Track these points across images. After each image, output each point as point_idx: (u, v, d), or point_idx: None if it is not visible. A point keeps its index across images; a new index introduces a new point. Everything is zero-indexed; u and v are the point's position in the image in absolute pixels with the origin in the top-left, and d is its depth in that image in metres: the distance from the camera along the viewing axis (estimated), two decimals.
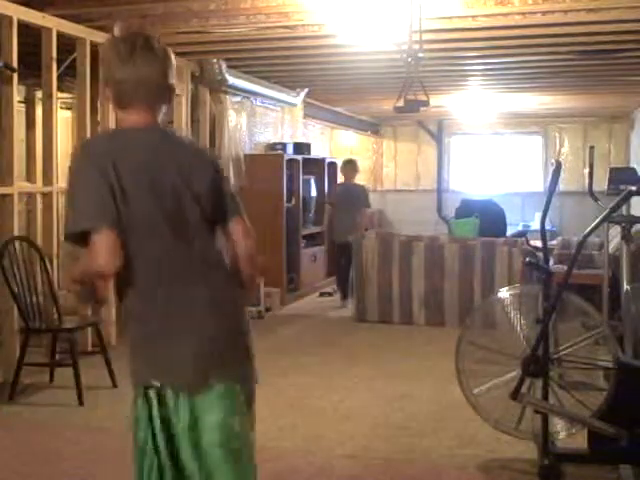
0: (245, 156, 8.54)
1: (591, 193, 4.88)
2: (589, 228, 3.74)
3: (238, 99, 8.45)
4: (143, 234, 2.01)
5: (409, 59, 5.11)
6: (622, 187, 4.10)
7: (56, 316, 5.19)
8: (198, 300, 2.06)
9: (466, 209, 11.04)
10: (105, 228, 1.91)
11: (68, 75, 6.31)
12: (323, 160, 10.14)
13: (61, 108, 7.56)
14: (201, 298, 2.06)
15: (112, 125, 6.20)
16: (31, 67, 5.70)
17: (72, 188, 2.00)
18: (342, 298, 8.64)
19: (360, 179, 14.22)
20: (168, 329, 2.06)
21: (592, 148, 5.24)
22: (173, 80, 2.12)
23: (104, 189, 1.93)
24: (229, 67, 7.49)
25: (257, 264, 2.20)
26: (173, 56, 2.13)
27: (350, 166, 9.03)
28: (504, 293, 4.14)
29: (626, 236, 4.53)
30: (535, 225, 11.27)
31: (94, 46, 5.97)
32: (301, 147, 9.43)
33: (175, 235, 2.03)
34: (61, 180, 6.12)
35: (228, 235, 2.15)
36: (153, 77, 2.04)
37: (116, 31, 2.08)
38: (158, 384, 2.08)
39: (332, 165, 10.33)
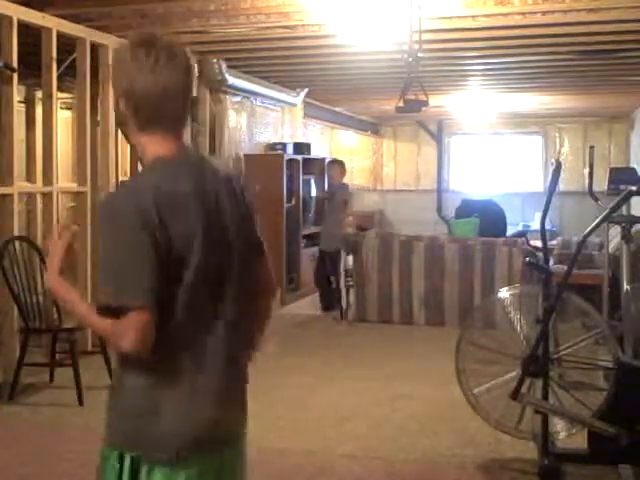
0: (245, 156, 8.54)
1: (591, 193, 4.88)
2: (589, 228, 3.74)
3: (238, 99, 8.45)
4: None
5: (409, 59, 5.11)
6: (622, 187, 4.11)
7: (56, 316, 5.19)
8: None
9: (466, 209, 11.07)
10: (142, 306, 1.59)
11: (68, 75, 6.31)
12: (323, 160, 10.13)
13: (61, 108, 7.55)
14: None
15: (112, 125, 6.22)
16: (31, 67, 5.70)
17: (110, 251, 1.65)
18: (323, 309, 8.15)
19: (360, 179, 14.35)
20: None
21: (592, 148, 5.24)
22: (192, 90, 1.82)
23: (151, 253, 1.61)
24: (229, 67, 7.49)
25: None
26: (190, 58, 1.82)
27: (332, 166, 8.60)
28: (504, 293, 4.14)
29: (626, 236, 4.53)
30: (535, 225, 11.27)
31: (94, 46, 5.97)
32: (301, 147, 9.42)
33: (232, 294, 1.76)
34: (61, 180, 6.12)
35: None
36: (179, 89, 1.71)
37: (131, 37, 1.74)
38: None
39: None
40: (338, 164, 8.56)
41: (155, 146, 1.74)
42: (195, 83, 1.64)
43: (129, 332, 1.58)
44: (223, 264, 1.72)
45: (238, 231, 1.78)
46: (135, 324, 1.58)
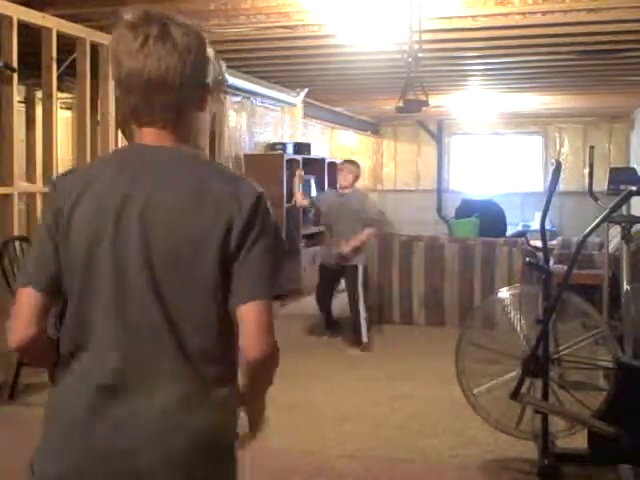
0: (245, 156, 8.54)
1: (591, 193, 4.88)
2: (589, 228, 3.74)
3: (238, 99, 8.45)
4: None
5: (409, 59, 5.11)
6: (622, 187, 4.10)
7: None
8: None
9: (466, 209, 11.09)
10: (22, 287, 1.48)
11: (68, 75, 6.31)
12: (323, 160, 10.14)
13: (61, 108, 7.55)
14: None
15: (112, 125, 6.22)
16: (31, 67, 5.69)
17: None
18: (327, 327, 7.05)
19: (360, 179, 14.31)
20: None
21: (592, 148, 5.24)
22: (206, 78, 1.54)
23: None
24: (229, 67, 7.49)
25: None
26: (207, 45, 1.54)
27: (348, 167, 6.93)
28: (504, 293, 4.14)
29: (626, 236, 4.53)
30: (535, 225, 11.27)
31: (94, 46, 5.97)
32: (301, 147, 9.42)
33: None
34: None
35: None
36: (169, 76, 1.46)
37: (127, 16, 1.48)
38: None
39: (332, 165, 10.32)
40: (352, 164, 7.00)
41: (138, 138, 1.53)
42: (208, 69, 1.42)
43: (12, 317, 1.48)
44: (89, 284, 1.46)
45: (151, 258, 1.43)
46: (15, 307, 1.48)
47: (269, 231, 1.48)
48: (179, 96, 1.49)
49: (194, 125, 1.56)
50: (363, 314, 6.48)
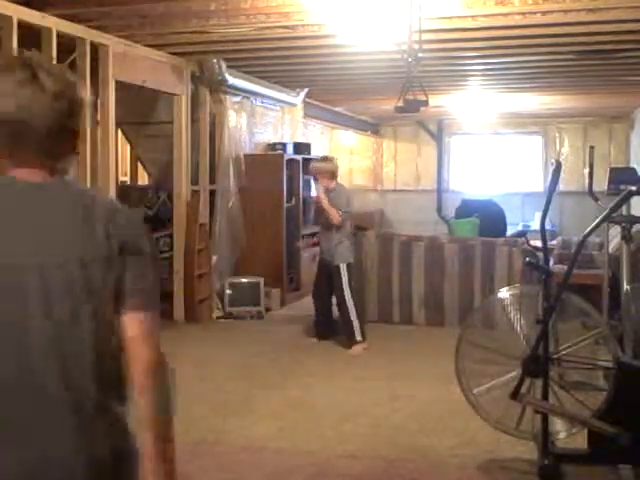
0: (245, 156, 8.54)
1: (591, 193, 4.88)
2: (589, 228, 3.74)
3: (238, 99, 8.45)
4: None
5: (409, 59, 5.11)
6: (622, 187, 4.11)
7: None
8: None
9: (466, 209, 11.07)
10: None
11: None
12: None
13: None
14: None
15: (112, 125, 6.23)
16: None
17: None
18: (316, 336, 6.77)
19: (360, 179, 14.36)
20: None
21: (592, 148, 5.24)
22: (78, 125, 1.54)
23: None
24: (229, 67, 7.49)
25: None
26: (78, 87, 1.52)
27: (318, 169, 6.74)
28: (504, 293, 4.14)
29: (626, 236, 4.53)
30: (535, 225, 11.26)
31: (94, 46, 5.97)
32: (301, 147, 9.42)
33: None
34: None
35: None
36: (41, 117, 1.45)
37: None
38: None
39: None
40: (322, 163, 6.80)
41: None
42: (86, 113, 1.41)
43: None
44: None
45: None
46: None
47: None
48: (49, 141, 1.48)
49: (66, 165, 1.56)
50: (352, 312, 6.46)
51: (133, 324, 1.51)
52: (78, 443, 1.43)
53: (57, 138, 1.49)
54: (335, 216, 6.43)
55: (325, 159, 7.00)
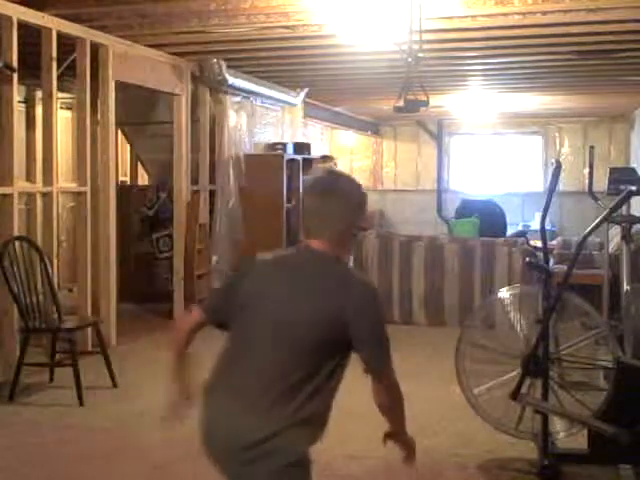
0: (245, 156, 8.53)
1: (591, 193, 4.88)
2: (589, 228, 3.74)
3: (238, 99, 8.44)
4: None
5: (409, 59, 5.11)
6: (622, 187, 4.10)
7: (56, 316, 5.19)
8: None
9: (466, 209, 11.06)
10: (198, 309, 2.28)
11: (68, 75, 6.31)
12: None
13: (61, 108, 7.55)
14: None
15: (112, 125, 6.22)
16: (31, 67, 5.70)
17: None
18: None
19: (360, 179, 14.26)
20: None
21: (592, 148, 5.24)
22: (349, 216, 2.13)
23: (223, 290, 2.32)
24: (229, 67, 7.48)
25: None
26: (354, 193, 2.14)
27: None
28: (504, 293, 4.14)
29: (626, 236, 4.53)
30: (535, 225, 11.27)
31: (94, 46, 5.97)
32: (301, 147, 9.42)
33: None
34: (61, 180, 6.12)
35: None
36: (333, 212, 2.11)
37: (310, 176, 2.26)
38: None
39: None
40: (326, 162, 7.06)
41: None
42: (353, 210, 2.20)
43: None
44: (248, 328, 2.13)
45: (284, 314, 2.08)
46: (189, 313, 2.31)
47: None
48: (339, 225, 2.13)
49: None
50: None
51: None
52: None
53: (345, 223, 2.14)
54: None
55: (326, 158, 6.96)
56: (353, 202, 2.13)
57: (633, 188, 3.76)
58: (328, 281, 2.08)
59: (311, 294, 2.06)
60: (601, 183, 4.91)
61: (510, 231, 11.04)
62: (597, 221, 3.75)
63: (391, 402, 2.43)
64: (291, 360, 2.05)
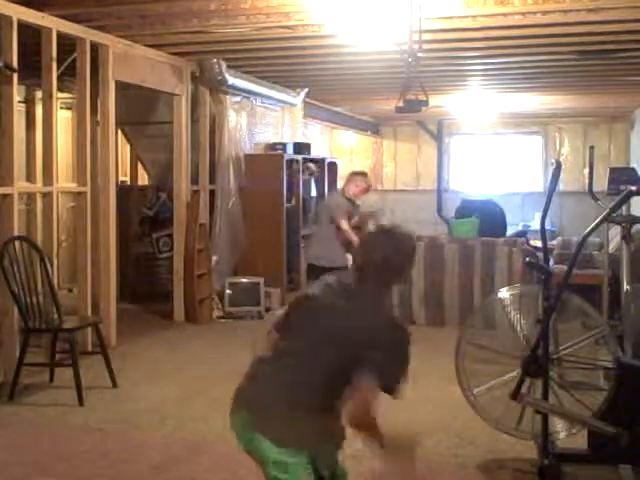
0: (245, 156, 8.53)
1: (591, 193, 4.88)
2: (589, 228, 3.74)
3: (238, 99, 8.44)
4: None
5: (409, 59, 5.10)
6: (622, 187, 4.10)
7: (56, 316, 5.19)
8: None
9: (466, 209, 11.05)
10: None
11: (68, 75, 6.32)
12: (323, 160, 10.13)
13: (61, 108, 7.56)
14: None
15: (112, 125, 6.22)
16: (31, 67, 5.70)
17: None
18: None
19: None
20: None
21: (592, 148, 5.23)
22: (393, 262, 2.57)
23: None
24: (229, 67, 7.49)
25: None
26: (405, 243, 2.56)
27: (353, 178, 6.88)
28: (504, 293, 4.14)
29: (626, 236, 4.52)
30: (535, 225, 11.27)
31: (94, 46, 5.97)
32: (301, 147, 9.42)
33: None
34: (61, 180, 6.12)
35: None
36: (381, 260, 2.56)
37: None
38: None
39: (332, 165, 10.32)
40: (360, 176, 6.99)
41: None
42: (401, 257, 2.63)
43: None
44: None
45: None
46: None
47: None
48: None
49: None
50: None
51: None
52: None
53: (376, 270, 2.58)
54: (355, 240, 6.15)
55: (360, 174, 7.03)
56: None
57: (633, 188, 3.76)
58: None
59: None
60: (601, 183, 4.91)
61: (510, 231, 11.03)
62: (597, 221, 3.75)
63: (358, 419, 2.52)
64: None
